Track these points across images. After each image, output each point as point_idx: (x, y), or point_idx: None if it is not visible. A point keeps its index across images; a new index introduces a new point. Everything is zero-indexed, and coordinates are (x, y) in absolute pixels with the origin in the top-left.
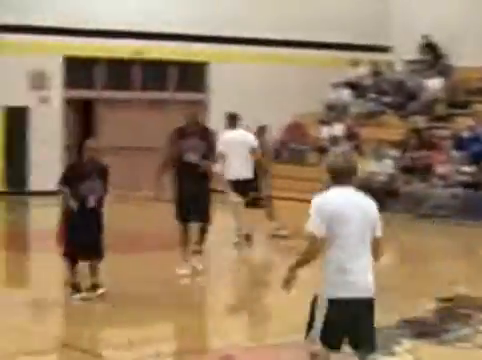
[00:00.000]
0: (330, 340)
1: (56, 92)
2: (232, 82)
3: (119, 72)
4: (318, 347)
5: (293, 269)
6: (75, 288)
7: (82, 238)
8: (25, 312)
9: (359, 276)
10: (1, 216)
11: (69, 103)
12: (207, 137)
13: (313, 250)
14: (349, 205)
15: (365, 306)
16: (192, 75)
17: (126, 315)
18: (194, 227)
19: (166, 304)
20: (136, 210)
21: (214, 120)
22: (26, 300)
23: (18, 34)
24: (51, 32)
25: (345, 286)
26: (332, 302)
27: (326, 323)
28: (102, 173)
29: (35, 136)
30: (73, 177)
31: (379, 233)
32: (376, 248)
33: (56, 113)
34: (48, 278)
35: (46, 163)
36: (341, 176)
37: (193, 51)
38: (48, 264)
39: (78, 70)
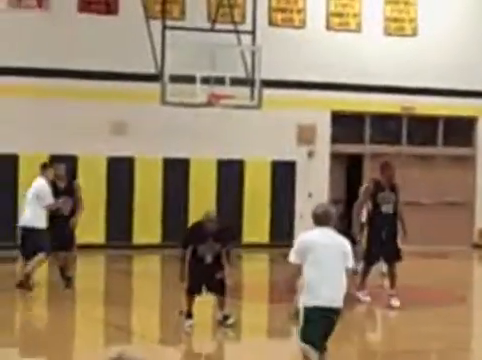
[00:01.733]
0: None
1: (323, 146)
2: None
3: (386, 127)
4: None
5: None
6: (188, 316)
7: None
8: None
9: (326, 291)
10: (262, 268)
11: (336, 157)
12: (396, 190)
13: (293, 275)
14: (321, 239)
15: (332, 313)
16: (460, 130)
17: None
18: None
19: None
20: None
21: (481, 175)
22: None
23: (287, 89)
24: (320, 87)
25: (316, 298)
26: (306, 309)
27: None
28: (218, 237)
29: (301, 190)
30: (193, 239)
31: (349, 264)
32: (348, 275)
33: (323, 167)
34: None
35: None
36: (320, 220)
37: (461, 106)
38: None
39: (345, 125)
